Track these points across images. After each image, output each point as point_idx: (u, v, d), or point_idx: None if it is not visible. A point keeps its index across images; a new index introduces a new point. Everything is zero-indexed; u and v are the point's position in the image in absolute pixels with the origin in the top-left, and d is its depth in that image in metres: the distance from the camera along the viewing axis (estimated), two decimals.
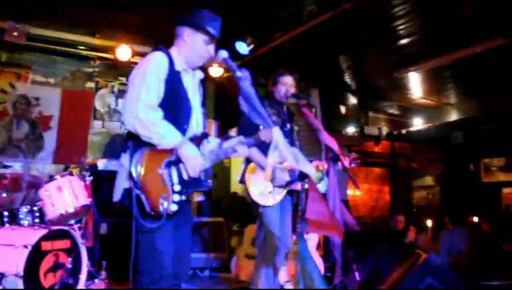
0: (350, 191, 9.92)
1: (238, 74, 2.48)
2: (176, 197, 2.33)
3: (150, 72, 2.38)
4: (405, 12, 5.29)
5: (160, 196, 2.27)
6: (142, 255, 2.35)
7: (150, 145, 2.32)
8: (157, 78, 2.39)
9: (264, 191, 3.69)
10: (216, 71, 6.93)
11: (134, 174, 2.25)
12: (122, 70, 6.70)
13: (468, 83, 7.83)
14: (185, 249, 2.58)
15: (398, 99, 9.09)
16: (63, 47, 6.34)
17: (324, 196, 3.93)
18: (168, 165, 2.35)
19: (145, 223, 2.27)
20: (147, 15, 5.74)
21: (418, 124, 9.70)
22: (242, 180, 3.85)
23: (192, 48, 2.57)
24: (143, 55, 6.19)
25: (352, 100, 8.96)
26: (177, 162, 2.38)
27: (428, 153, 10.46)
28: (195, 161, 2.38)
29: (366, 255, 5.40)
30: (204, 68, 6.78)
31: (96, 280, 4.34)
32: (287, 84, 4.03)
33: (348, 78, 7.94)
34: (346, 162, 4.12)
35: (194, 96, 2.63)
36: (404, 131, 9.90)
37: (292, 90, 4.03)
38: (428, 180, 10.66)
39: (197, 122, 2.61)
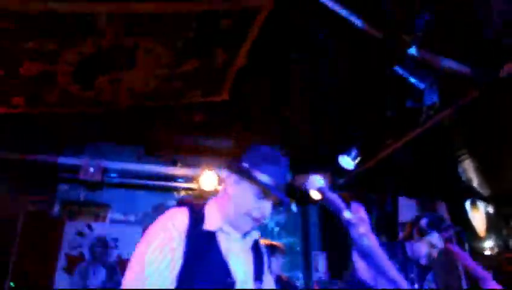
0: None
1: (347, 215, 1.37)
2: None
3: (155, 245, 1.62)
4: None
5: None
6: None
7: None
8: (166, 250, 1.62)
9: None
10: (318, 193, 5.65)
11: None
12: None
13: None
14: None
15: None
16: (142, 179, 5.73)
17: None
18: None
19: None
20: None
21: None
22: None
23: (235, 203, 1.76)
24: None
25: (488, 209, 7.29)
26: None
27: None
28: None
29: None
30: (304, 191, 5.85)
31: None
32: (434, 246, 2.90)
33: (478, 185, 6.43)
34: None
35: (243, 266, 1.79)
36: None
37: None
38: None
39: None
